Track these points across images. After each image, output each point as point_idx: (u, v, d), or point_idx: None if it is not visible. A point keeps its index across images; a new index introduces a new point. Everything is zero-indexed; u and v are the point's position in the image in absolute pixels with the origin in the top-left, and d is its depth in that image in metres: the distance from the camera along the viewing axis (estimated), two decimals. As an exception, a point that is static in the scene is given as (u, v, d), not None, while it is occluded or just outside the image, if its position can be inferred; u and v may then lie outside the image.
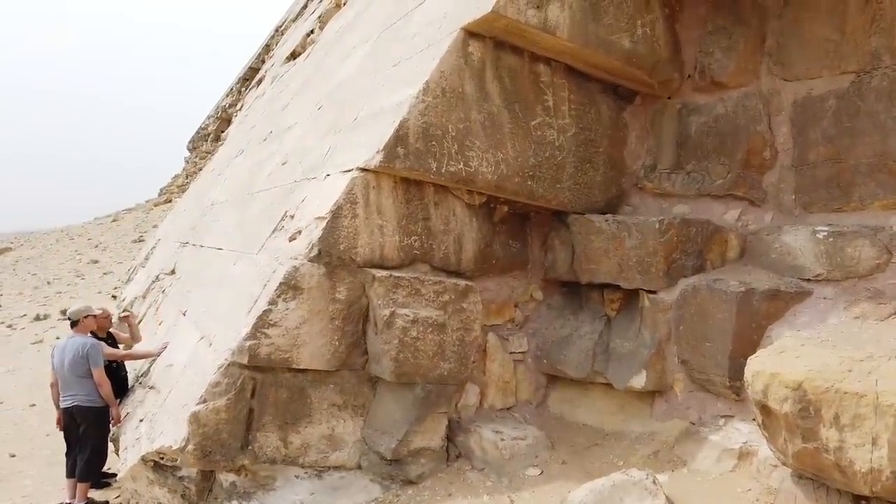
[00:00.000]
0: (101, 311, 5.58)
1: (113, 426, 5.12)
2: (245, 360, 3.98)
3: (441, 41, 4.56)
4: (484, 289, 4.87)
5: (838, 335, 3.37)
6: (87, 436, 5.01)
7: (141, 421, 4.71)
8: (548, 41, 4.51)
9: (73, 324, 5.20)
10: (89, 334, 5.23)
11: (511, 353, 5.05)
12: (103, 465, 5.24)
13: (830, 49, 4.29)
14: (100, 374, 4.97)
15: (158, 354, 5.43)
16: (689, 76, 5.08)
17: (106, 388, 4.99)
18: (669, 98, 5.16)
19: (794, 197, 4.45)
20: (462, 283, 4.53)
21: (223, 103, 25.75)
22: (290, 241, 4.54)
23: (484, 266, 4.91)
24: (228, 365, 4.01)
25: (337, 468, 4.30)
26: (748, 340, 3.97)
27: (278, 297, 4.08)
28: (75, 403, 4.98)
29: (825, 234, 4.02)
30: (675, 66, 5.05)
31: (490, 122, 4.53)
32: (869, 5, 4.11)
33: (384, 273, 4.28)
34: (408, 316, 4.24)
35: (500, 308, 5.11)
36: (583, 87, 4.97)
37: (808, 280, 4.07)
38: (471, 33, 4.47)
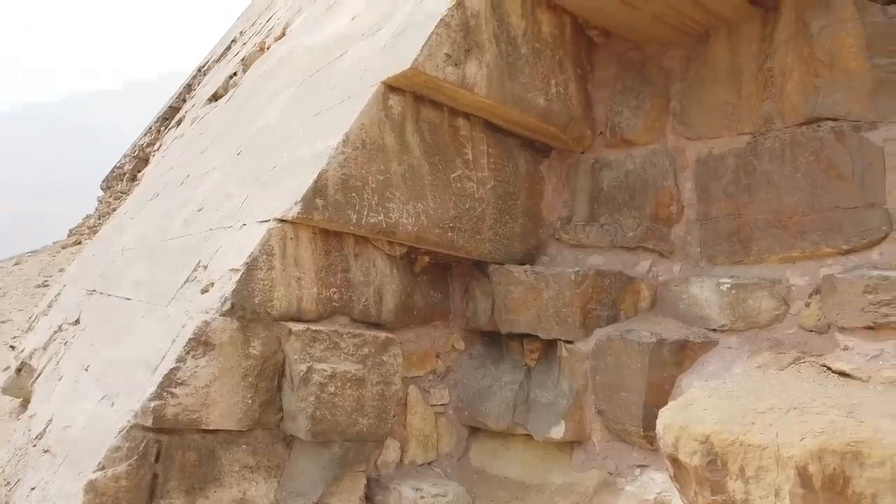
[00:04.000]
0: None
1: None
2: (149, 422, 3.75)
3: (362, 93, 4.59)
4: (405, 340, 4.82)
5: (742, 386, 3.51)
6: None
7: (32, 489, 4.34)
8: (466, 97, 4.62)
9: None
10: None
11: (432, 405, 4.98)
12: None
13: (728, 111, 4.59)
14: None
15: None
16: (601, 133, 5.31)
17: None
18: (583, 153, 5.36)
19: (699, 249, 4.67)
20: (382, 335, 4.46)
21: (141, 142, 24.88)
22: (202, 293, 4.36)
23: (405, 317, 4.87)
24: (131, 427, 3.76)
25: (248, 534, 4.08)
26: (660, 390, 4.08)
27: (187, 353, 3.89)
28: None
29: (728, 285, 4.22)
30: (588, 124, 5.27)
31: (410, 174, 4.56)
32: (761, 72, 4.44)
33: (301, 326, 4.16)
34: (325, 371, 4.13)
35: (421, 359, 5.06)
36: (501, 142, 5.10)
37: (714, 330, 4.25)
38: (391, 87, 4.51)
